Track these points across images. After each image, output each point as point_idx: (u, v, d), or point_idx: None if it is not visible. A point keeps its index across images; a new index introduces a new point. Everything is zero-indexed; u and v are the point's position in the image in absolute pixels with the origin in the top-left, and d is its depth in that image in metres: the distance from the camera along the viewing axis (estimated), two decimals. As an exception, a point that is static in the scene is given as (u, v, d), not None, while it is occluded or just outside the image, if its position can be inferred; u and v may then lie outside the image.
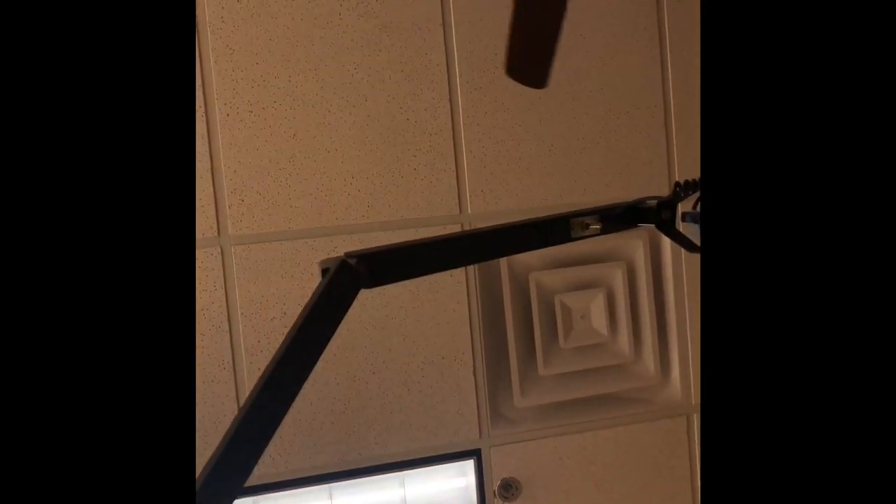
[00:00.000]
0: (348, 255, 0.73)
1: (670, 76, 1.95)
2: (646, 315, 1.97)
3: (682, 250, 1.94)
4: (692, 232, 0.77)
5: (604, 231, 0.74)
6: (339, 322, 0.71)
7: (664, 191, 1.95)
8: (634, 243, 1.95)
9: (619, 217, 0.75)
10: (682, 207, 0.76)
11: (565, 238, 0.73)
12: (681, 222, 0.75)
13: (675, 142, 1.96)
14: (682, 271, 1.98)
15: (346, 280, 0.72)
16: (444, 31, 1.83)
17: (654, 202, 0.74)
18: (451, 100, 1.84)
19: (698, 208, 0.75)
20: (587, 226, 0.73)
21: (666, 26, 1.95)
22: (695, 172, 1.98)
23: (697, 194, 0.75)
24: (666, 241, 1.97)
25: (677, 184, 0.74)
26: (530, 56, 1.10)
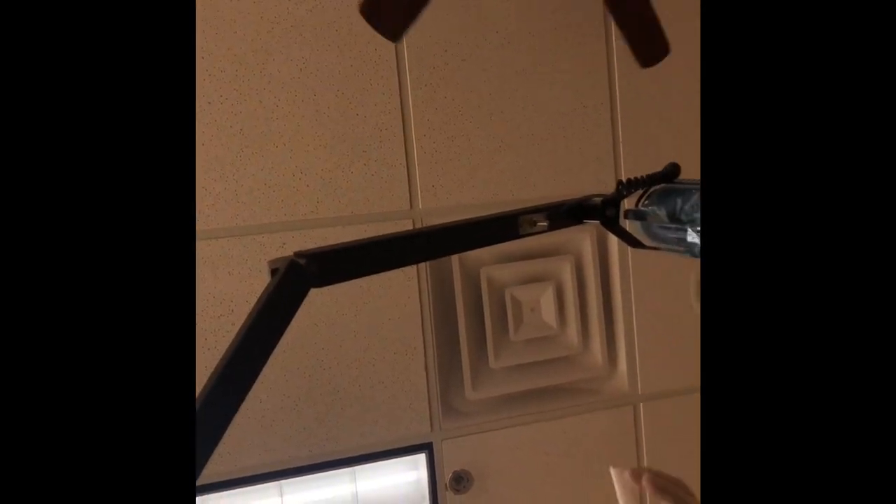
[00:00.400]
0: (297, 254, 0.72)
1: (616, 74, 1.98)
2: (593, 307, 2.01)
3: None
4: (634, 228, 0.79)
5: (551, 228, 0.76)
6: (288, 322, 0.71)
7: (612, 187, 1.98)
8: (582, 237, 1.98)
9: (565, 214, 0.76)
10: (627, 204, 0.78)
11: (514, 235, 0.74)
12: (624, 219, 0.77)
13: (621, 139, 2.00)
14: (628, 264, 2.02)
15: (295, 280, 0.71)
16: (394, 27, 1.82)
17: (598, 200, 0.76)
18: (401, 95, 1.84)
19: (640, 206, 0.77)
20: (535, 223, 0.74)
21: (612, 25, 1.97)
22: (641, 169, 2.02)
23: (640, 192, 0.77)
24: (612, 236, 2.01)
25: (620, 182, 0.76)
26: (391, 6, 1.06)
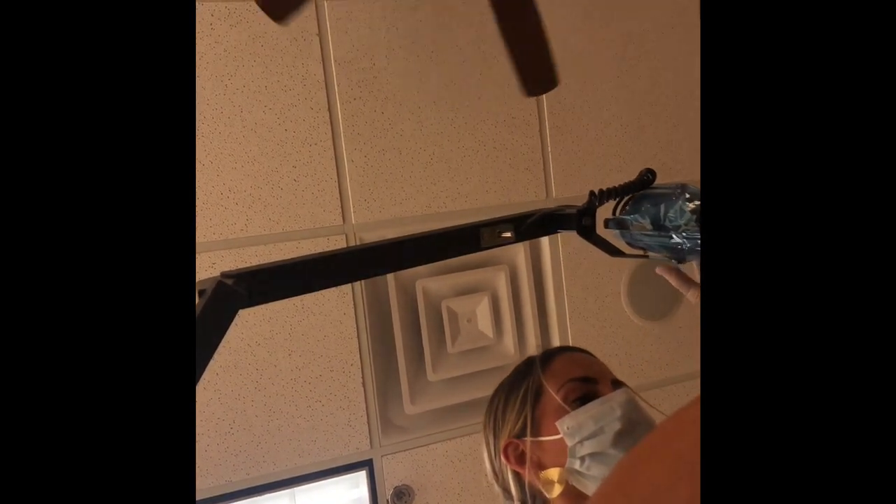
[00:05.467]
0: (225, 274, 0.62)
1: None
2: (528, 316, 1.93)
3: (560, 253, 1.93)
4: (614, 237, 0.73)
5: (518, 239, 0.68)
6: (217, 344, 0.60)
7: (541, 195, 1.93)
8: (516, 247, 1.90)
9: (535, 225, 0.69)
10: (605, 214, 0.72)
11: (475, 248, 0.66)
12: (603, 228, 0.71)
13: (549, 149, 1.94)
14: (560, 272, 1.95)
15: (223, 301, 0.61)
16: (321, 41, 1.71)
17: (573, 210, 0.70)
18: (330, 110, 1.73)
19: (618, 214, 0.71)
20: (499, 234, 0.67)
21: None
22: (568, 179, 1.98)
23: (614, 202, 0.71)
24: (545, 244, 1.94)
25: (592, 193, 0.70)
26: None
